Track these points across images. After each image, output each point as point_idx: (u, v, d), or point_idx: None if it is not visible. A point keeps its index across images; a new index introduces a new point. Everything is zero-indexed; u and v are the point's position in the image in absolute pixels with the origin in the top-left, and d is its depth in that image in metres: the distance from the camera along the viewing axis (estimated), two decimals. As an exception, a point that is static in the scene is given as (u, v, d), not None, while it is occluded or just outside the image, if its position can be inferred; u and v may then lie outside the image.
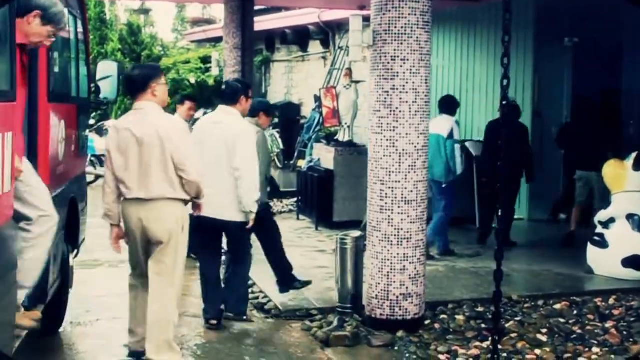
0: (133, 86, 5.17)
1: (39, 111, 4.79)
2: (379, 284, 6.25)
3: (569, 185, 10.39)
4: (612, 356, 5.71)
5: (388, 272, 6.20)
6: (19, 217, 4.10)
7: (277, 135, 17.08)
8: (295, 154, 16.18)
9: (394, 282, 6.19)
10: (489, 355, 4.93)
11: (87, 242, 6.84)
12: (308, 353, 5.85)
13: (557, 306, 6.99)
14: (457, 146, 8.81)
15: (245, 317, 6.54)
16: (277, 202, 12.43)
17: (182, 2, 25.81)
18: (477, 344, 5.96)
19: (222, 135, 6.11)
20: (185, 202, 5.24)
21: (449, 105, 9.11)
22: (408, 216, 6.18)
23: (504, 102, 4.30)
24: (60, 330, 6.09)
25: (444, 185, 8.78)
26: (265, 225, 6.80)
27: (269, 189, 7.31)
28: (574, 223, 9.65)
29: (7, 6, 3.58)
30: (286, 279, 6.99)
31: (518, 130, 9.40)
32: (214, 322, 6.28)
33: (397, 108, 6.13)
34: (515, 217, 10.08)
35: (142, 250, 5.19)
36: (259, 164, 6.25)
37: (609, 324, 6.48)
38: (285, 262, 7.03)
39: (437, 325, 6.38)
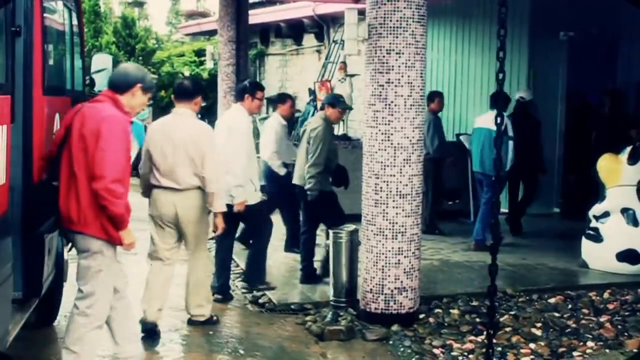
0: (184, 92, 6.04)
1: (33, 104, 4.76)
2: (373, 277, 6.25)
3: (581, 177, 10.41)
4: (607, 350, 5.73)
5: (383, 266, 6.20)
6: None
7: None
8: (290, 147, 16.11)
9: (389, 276, 6.19)
10: (484, 350, 4.93)
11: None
12: (302, 347, 5.84)
13: (552, 300, 7.00)
14: (510, 142, 8.85)
15: (264, 286, 7.07)
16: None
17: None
18: (472, 338, 5.97)
19: (221, 128, 6.83)
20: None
21: (501, 100, 9.04)
22: (403, 210, 6.17)
23: (498, 93, 4.34)
24: (55, 323, 6.08)
25: None
26: (322, 210, 7.32)
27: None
28: None
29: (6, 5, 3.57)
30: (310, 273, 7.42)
31: (533, 125, 9.45)
32: (218, 296, 6.81)
33: (392, 102, 6.12)
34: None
35: (172, 230, 5.96)
36: (323, 154, 7.12)
37: (603, 318, 6.50)
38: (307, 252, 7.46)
39: (431, 320, 6.38)
